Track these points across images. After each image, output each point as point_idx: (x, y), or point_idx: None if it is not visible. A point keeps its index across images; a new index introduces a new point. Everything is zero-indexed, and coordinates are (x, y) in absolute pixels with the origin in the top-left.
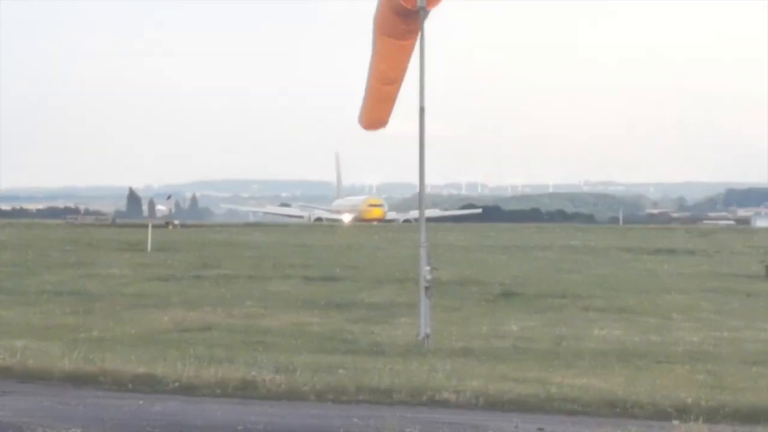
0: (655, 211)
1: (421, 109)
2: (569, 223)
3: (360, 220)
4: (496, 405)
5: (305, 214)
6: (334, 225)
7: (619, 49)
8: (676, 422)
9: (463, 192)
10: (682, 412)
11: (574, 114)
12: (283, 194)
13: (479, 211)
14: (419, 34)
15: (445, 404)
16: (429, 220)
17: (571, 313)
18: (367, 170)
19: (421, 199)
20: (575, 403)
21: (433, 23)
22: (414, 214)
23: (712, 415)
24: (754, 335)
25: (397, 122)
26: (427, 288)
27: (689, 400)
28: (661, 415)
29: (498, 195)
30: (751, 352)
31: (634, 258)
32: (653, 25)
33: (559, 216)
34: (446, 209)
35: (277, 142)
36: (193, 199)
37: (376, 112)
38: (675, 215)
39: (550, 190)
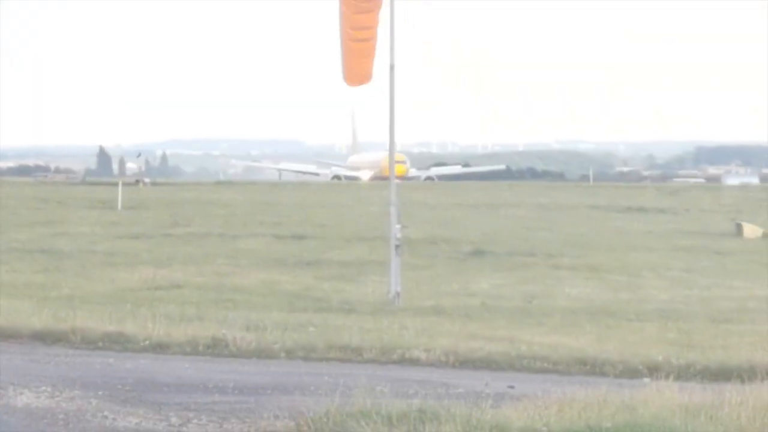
0: (625, 169)
1: (391, 67)
2: (539, 181)
3: (379, 178)
4: (466, 363)
5: (322, 171)
6: (350, 182)
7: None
8: (646, 380)
9: (434, 150)
10: (653, 370)
11: (544, 72)
12: (253, 152)
13: (503, 167)
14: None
15: (415, 362)
16: (451, 177)
17: (541, 271)
18: (335, 129)
19: (391, 157)
20: (545, 361)
21: None
22: (435, 171)
23: (683, 373)
24: (724, 293)
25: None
26: (397, 246)
27: (660, 358)
28: (632, 372)
29: (468, 153)
30: (721, 309)
31: (604, 216)
32: None
33: (529, 174)
34: (466, 165)
35: (245, 100)
36: (163, 158)
37: (356, 67)
38: (645, 173)
39: (521, 148)
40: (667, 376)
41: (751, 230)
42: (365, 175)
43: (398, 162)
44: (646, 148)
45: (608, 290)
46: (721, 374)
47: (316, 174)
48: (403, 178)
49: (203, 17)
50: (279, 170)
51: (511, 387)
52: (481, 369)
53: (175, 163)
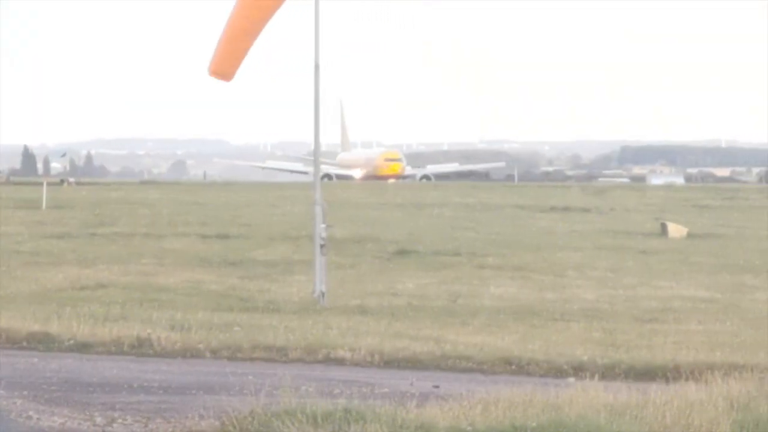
0: (551, 168)
1: (316, 67)
2: (464, 181)
3: (373, 177)
4: (391, 363)
5: (311, 169)
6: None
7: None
8: (571, 380)
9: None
10: (578, 370)
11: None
12: (179, 151)
13: (502, 164)
14: None
15: (340, 362)
16: (448, 176)
17: (466, 271)
18: (262, 129)
19: (316, 156)
20: (470, 360)
21: None
22: (432, 169)
23: (608, 373)
24: (649, 293)
25: (292, 80)
26: (322, 245)
27: (585, 358)
28: (557, 372)
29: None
30: (646, 309)
31: (529, 216)
32: None
33: (454, 173)
34: (464, 164)
35: (169, 99)
36: (88, 157)
37: (226, 61)
38: (570, 173)
39: (445, 147)
40: (592, 376)
41: (675, 230)
42: (357, 174)
43: (395, 160)
44: (571, 148)
45: (533, 290)
46: (645, 374)
47: (304, 173)
48: (399, 176)
49: (124, 15)
50: (263, 168)
51: (436, 387)
52: (406, 369)
53: (100, 162)
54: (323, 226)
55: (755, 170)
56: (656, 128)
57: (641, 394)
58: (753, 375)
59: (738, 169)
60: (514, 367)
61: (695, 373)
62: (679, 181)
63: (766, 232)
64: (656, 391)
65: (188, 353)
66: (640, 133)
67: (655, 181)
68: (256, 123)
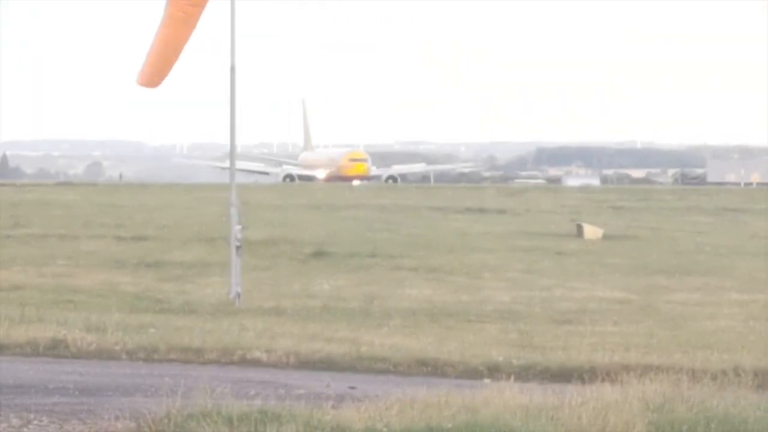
0: (466, 170)
1: (232, 68)
2: (380, 182)
3: (337, 178)
4: (307, 364)
5: (272, 170)
6: (301, 184)
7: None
8: (487, 381)
9: (275, 150)
10: (493, 371)
11: (386, 72)
12: (95, 153)
13: (469, 163)
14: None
15: (256, 363)
16: (416, 176)
17: (381, 273)
18: (175, 130)
19: (232, 159)
20: (386, 362)
21: None
22: (398, 169)
23: (523, 374)
24: (565, 294)
25: (207, 81)
26: (237, 247)
27: (500, 359)
28: (472, 373)
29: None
30: (562, 310)
31: (444, 217)
32: None
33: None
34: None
35: (84, 99)
36: (3, 159)
37: (154, 69)
38: (486, 174)
39: (361, 148)
40: (507, 377)
41: (591, 231)
42: (320, 175)
43: (360, 160)
44: (486, 149)
45: (449, 291)
46: (561, 375)
47: (266, 173)
48: (364, 177)
49: (41, 16)
50: (222, 168)
51: (353, 388)
52: (322, 370)
53: (15, 164)
54: (239, 227)
55: (670, 172)
56: (571, 129)
57: (557, 395)
58: (668, 376)
59: (653, 170)
60: (430, 369)
61: (611, 374)
62: (595, 182)
63: (681, 234)
64: (572, 392)
65: (104, 354)
66: (555, 134)
67: (571, 182)
68: (172, 124)
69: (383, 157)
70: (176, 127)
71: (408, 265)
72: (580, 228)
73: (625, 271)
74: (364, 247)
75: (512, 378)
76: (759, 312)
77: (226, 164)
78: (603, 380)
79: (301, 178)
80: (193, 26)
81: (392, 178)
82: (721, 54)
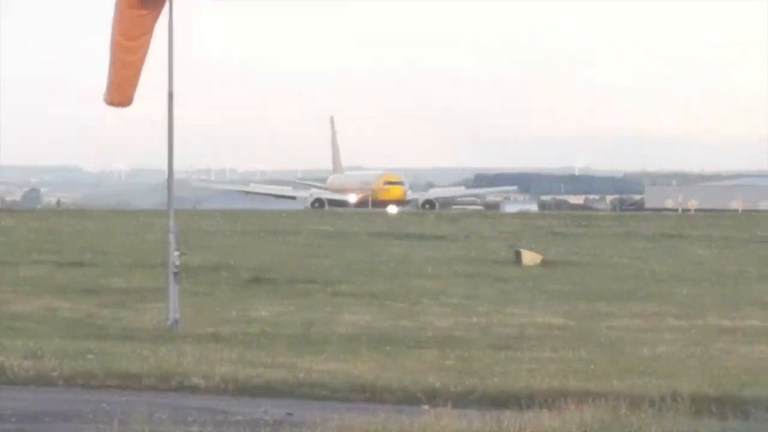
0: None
1: (170, 95)
2: (320, 208)
3: (371, 202)
4: (245, 390)
5: (299, 194)
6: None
7: (365, 32)
8: (425, 407)
9: (213, 178)
10: (432, 397)
11: (322, 101)
12: (33, 179)
13: (514, 188)
14: (159, 12)
15: (194, 389)
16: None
17: (321, 299)
18: (115, 155)
19: (169, 185)
20: (325, 388)
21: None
22: (434, 193)
23: (461, 400)
24: (503, 320)
25: (147, 106)
26: (176, 273)
27: (438, 385)
28: (411, 399)
29: (247, 180)
30: (500, 336)
31: (384, 243)
32: (393, 10)
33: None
34: (469, 187)
35: (24, 126)
36: None
37: (119, 88)
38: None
39: (299, 175)
40: (445, 403)
41: (529, 257)
42: (352, 199)
43: (396, 183)
44: (425, 176)
45: (388, 317)
46: (499, 401)
47: (292, 198)
48: (401, 202)
49: None
50: (246, 192)
51: (290, 414)
52: (260, 396)
53: None
54: (177, 254)
55: (609, 198)
56: (510, 155)
57: (495, 421)
58: (606, 402)
59: (592, 196)
60: (369, 395)
61: (549, 400)
62: (533, 208)
63: (620, 260)
64: (510, 418)
65: (42, 381)
66: (493, 161)
67: (510, 208)
68: (109, 150)
69: (323, 182)
70: (115, 153)
71: (347, 291)
72: (518, 254)
73: (564, 296)
74: (304, 273)
75: (450, 404)
76: (697, 338)
77: (250, 188)
78: (541, 406)
79: (332, 203)
80: (146, 50)
81: (429, 203)
82: (659, 80)
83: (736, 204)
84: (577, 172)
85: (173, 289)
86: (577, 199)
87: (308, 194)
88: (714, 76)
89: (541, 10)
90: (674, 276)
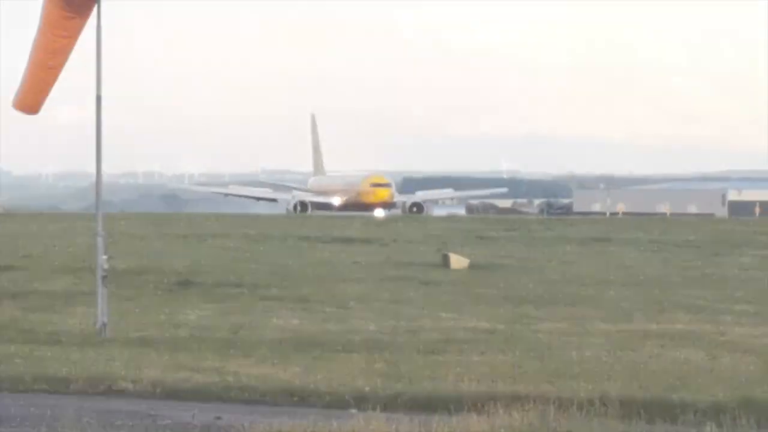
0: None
1: (98, 98)
2: (247, 211)
3: (355, 205)
4: (173, 394)
5: (281, 196)
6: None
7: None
8: (353, 411)
9: (140, 181)
10: (360, 401)
11: (250, 103)
12: None
13: (504, 189)
14: (87, 16)
15: (122, 393)
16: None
17: (248, 302)
18: (40, 158)
19: (98, 189)
20: (253, 392)
21: (109, 9)
22: (422, 195)
23: (390, 404)
24: (432, 324)
25: (72, 110)
26: (104, 277)
27: (367, 389)
28: (339, 403)
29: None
30: (429, 340)
31: (311, 247)
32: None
33: (236, 204)
34: (458, 191)
35: None
36: None
37: (32, 92)
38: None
39: (227, 178)
40: (374, 407)
41: (457, 261)
42: (336, 202)
43: (383, 185)
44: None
45: (316, 321)
46: (428, 405)
47: (273, 200)
48: (388, 204)
49: None
50: (225, 194)
51: (218, 418)
52: (188, 400)
53: None
54: (104, 257)
55: (536, 201)
56: (438, 159)
57: (423, 425)
58: (535, 406)
59: (520, 200)
60: (297, 398)
61: (477, 404)
62: (461, 212)
63: (548, 264)
64: (439, 422)
65: None
66: (421, 164)
67: (437, 211)
68: (35, 153)
69: (251, 186)
70: (42, 156)
71: (275, 295)
72: (446, 258)
73: (492, 300)
74: (231, 277)
75: (379, 408)
76: (625, 342)
77: (228, 190)
78: (470, 410)
79: (315, 205)
80: (67, 54)
81: (417, 205)
82: (587, 83)
83: (664, 208)
84: (505, 176)
85: (101, 293)
86: (504, 203)
87: (290, 197)
88: (643, 80)
89: (461, 11)
90: (602, 280)
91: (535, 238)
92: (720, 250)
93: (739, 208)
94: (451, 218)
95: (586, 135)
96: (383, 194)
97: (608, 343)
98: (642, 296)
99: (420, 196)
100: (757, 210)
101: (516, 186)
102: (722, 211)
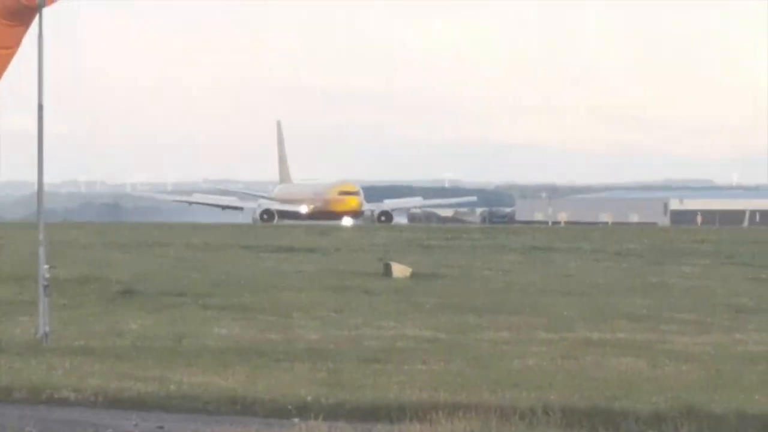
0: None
1: (40, 107)
2: (190, 220)
3: (323, 213)
4: (116, 403)
5: (247, 204)
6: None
7: (235, 44)
8: (296, 420)
9: (83, 190)
10: (303, 410)
11: (193, 111)
12: None
13: (474, 198)
14: (28, 26)
15: (64, 402)
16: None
17: (191, 311)
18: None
19: (39, 198)
20: (195, 400)
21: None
22: (390, 204)
23: (333, 413)
24: (374, 333)
25: (13, 119)
26: (45, 286)
27: (309, 398)
28: (282, 412)
29: (118, 193)
30: (371, 349)
31: (254, 256)
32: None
33: (179, 213)
34: (428, 198)
35: None
36: None
37: None
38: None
39: (169, 188)
40: (316, 416)
41: (399, 270)
42: (303, 210)
43: (351, 194)
44: (299, 188)
45: (258, 330)
46: (370, 414)
47: (239, 208)
48: (357, 213)
49: None
50: (190, 203)
51: (161, 427)
52: (130, 409)
53: None
54: (46, 266)
55: (478, 210)
56: (377, 168)
57: None
58: (477, 415)
59: (461, 209)
60: (239, 407)
61: (420, 413)
62: (403, 221)
63: (490, 272)
64: (381, 431)
65: None
66: (365, 173)
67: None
68: None
69: (187, 194)
70: None
71: (217, 304)
72: (388, 267)
73: (434, 309)
74: (174, 286)
75: (321, 417)
76: (567, 350)
77: (193, 198)
78: (412, 419)
79: (282, 214)
80: (4, 68)
81: (385, 214)
82: (529, 92)
83: (607, 217)
84: (447, 184)
85: (43, 302)
86: (446, 212)
87: (256, 205)
88: (584, 88)
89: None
90: (544, 289)
91: (477, 247)
92: (662, 258)
93: (681, 217)
94: (392, 227)
95: (529, 144)
96: (352, 202)
97: (550, 351)
98: (584, 305)
99: (388, 204)
100: (699, 219)
101: (457, 195)
102: (664, 220)
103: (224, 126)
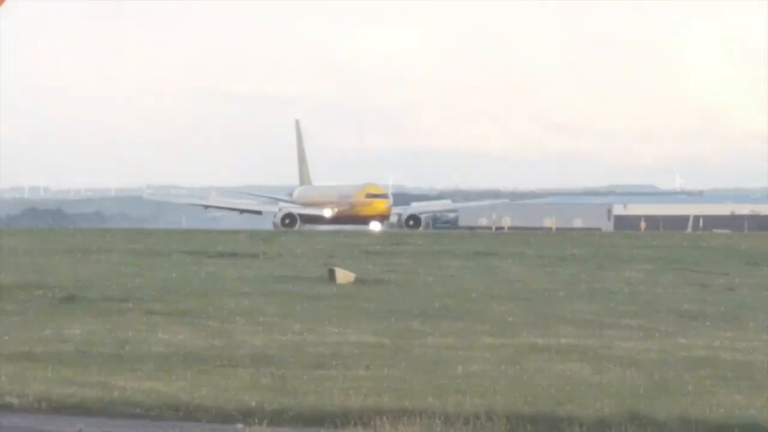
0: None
1: None
2: (133, 226)
3: (349, 218)
4: (59, 409)
5: (267, 209)
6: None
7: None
8: (240, 425)
9: (26, 196)
10: (247, 415)
11: (135, 116)
12: None
13: (506, 200)
14: None
15: (8, 408)
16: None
17: (134, 317)
18: None
19: None
20: (139, 406)
21: None
22: (418, 208)
23: (277, 418)
24: (318, 339)
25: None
26: None
27: (253, 404)
28: (225, 418)
29: (61, 198)
30: (315, 355)
31: (196, 262)
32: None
33: (122, 219)
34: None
35: None
36: None
37: None
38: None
39: (113, 193)
40: (260, 422)
41: (343, 276)
42: (327, 213)
43: (380, 196)
44: (238, 193)
45: (201, 336)
46: (314, 420)
47: (258, 212)
48: (385, 217)
49: None
50: (206, 206)
51: None
52: (74, 415)
53: None
54: None
55: (422, 216)
56: (325, 174)
57: None
58: (421, 420)
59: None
60: (182, 413)
61: (364, 418)
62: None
63: (434, 278)
64: None
65: None
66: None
67: (324, 226)
68: None
69: (136, 202)
70: None
71: (160, 310)
72: (332, 272)
73: (378, 315)
74: (117, 292)
75: (265, 423)
76: (511, 356)
77: (211, 202)
78: (356, 425)
79: (304, 218)
80: None
81: (413, 218)
82: (471, 97)
83: (550, 222)
84: (392, 190)
85: None
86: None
87: (277, 209)
88: (526, 93)
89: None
90: (487, 294)
91: (420, 253)
92: (605, 264)
93: (625, 222)
94: (337, 233)
95: (472, 149)
96: (380, 206)
97: (494, 357)
98: (528, 310)
99: (416, 208)
100: (643, 224)
101: (400, 200)
102: (608, 226)
103: (173, 128)
